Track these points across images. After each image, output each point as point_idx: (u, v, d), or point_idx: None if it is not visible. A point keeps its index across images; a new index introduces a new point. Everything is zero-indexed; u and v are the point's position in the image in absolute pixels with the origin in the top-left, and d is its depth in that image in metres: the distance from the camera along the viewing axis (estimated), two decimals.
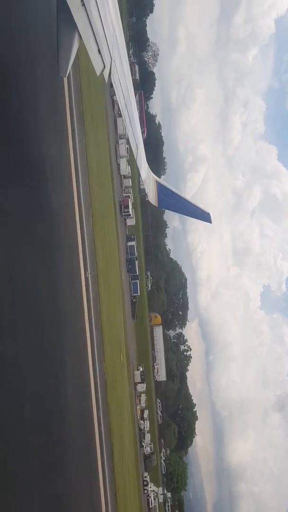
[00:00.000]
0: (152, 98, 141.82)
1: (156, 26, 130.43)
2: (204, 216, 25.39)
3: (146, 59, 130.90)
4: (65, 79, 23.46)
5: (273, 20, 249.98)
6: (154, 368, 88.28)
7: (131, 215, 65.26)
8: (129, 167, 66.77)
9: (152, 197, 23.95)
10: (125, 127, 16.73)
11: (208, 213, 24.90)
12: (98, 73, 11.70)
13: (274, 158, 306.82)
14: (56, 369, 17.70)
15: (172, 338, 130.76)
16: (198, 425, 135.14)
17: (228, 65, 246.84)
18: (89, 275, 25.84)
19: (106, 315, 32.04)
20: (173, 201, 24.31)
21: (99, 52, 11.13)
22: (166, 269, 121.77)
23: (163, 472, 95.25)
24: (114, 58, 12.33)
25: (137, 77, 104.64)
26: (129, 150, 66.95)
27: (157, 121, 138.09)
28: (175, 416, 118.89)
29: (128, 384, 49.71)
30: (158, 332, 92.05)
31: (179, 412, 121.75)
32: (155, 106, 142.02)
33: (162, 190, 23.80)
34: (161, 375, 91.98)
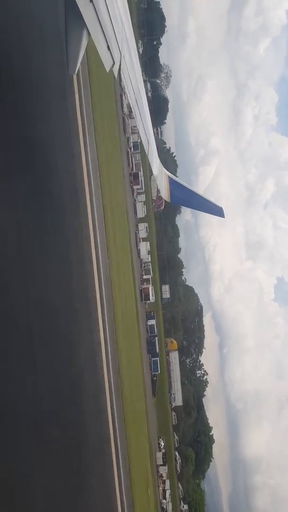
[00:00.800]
0: (165, 123, 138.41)
1: (167, 20, 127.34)
2: (217, 211, 25.20)
3: (158, 81, 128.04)
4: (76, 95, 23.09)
5: (285, 11, 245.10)
6: (171, 395, 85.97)
7: (151, 299, 61.93)
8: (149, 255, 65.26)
9: (164, 192, 23.84)
10: (136, 124, 16.62)
11: (221, 208, 24.70)
12: (107, 69, 11.62)
13: (287, 150, 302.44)
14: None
15: (188, 363, 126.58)
16: (213, 419, 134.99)
17: (239, 57, 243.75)
18: (110, 360, 24.86)
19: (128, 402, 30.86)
20: (185, 196, 24.17)
21: (108, 49, 11.06)
22: (182, 304, 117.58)
23: None
24: (124, 54, 12.24)
25: (149, 95, 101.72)
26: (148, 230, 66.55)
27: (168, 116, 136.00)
28: (192, 442, 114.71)
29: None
30: (174, 357, 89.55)
31: (196, 436, 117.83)
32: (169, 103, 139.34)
33: (174, 185, 23.67)
34: (178, 400, 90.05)
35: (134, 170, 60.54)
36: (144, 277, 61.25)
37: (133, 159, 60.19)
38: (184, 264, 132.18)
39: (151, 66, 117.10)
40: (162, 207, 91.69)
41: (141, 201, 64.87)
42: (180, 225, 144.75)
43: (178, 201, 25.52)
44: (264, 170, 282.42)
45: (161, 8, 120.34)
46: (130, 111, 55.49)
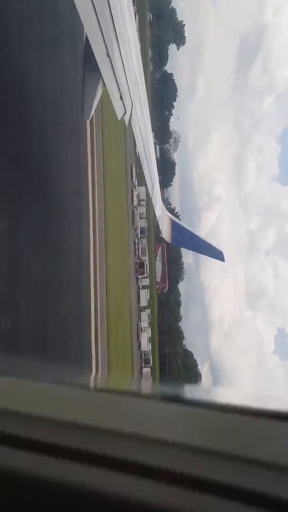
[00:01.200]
0: (171, 185, 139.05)
1: (178, 75, 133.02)
2: (217, 254, 25.65)
3: (167, 145, 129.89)
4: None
5: None
6: None
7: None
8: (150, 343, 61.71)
9: (166, 234, 24.33)
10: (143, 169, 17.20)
11: (221, 252, 25.16)
12: (119, 117, 12.27)
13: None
14: None
15: None
16: None
17: (244, 113, 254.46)
18: None
19: None
20: (186, 238, 24.65)
21: (121, 98, 11.72)
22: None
23: None
24: (135, 104, 12.92)
25: (158, 157, 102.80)
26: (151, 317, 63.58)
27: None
28: None
29: None
30: None
31: None
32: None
33: (175, 227, 24.20)
34: None
35: (140, 259, 58.95)
36: (144, 369, 57.14)
37: (140, 245, 58.88)
38: (184, 335, 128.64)
39: (161, 132, 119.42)
40: (166, 289, 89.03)
41: (145, 288, 61.89)
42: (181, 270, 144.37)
43: (178, 242, 25.97)
44: (265, 219, 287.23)
45: (174, 80, 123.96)
46: (139, 203, 56.65)
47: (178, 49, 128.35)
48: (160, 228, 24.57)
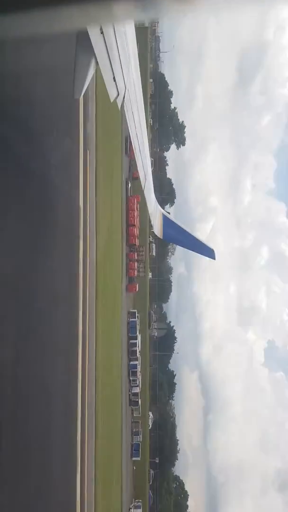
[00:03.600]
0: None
1: (177, 91, 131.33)
2: (208, 252, 25.48)
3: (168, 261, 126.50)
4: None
5: None
6: None
7: None
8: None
9: (157, 229, 24.17)
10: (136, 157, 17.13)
11: (212, 249, 24.99)
12: (112, 99, 12.12)
13: (283, 215, 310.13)
14: None
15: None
16: (191, 487, 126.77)
17: (241, 128, 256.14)
18: None
19: None
20: (177, 234, 24.50)
21: (114, 80, 11.57)
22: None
23: None
24: (128, 87, 12.78)
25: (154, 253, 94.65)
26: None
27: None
28: None
29: None
30: None
31: None
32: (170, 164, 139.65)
33: (167, 223, 24.04)
34: None
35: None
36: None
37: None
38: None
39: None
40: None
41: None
42: (173, 278, 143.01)
43: (170, 238, 25.83)
44: (259, 235, 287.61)
45: (177, 113, 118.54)
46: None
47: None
48: (151, 223, 24.40)
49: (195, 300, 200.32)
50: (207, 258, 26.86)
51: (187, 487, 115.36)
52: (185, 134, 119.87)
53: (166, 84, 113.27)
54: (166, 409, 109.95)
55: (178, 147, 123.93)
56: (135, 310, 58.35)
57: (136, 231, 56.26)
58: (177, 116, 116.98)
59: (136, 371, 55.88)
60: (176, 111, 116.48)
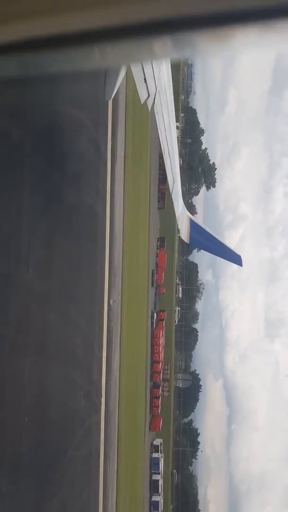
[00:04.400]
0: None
1: (209, 84, 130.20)
2: (234, 258, 25.15)
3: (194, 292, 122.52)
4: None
5: None
6: None
7: None
8: None
9: (184, 234, 24.02)
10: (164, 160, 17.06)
11: (239, 256, 24.65)
12: (142, 101, 12.17)
13: None
14: None
15: None
16: (211, 493, 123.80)
17: (274, 136, 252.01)
18: None
19: None
20: (204, 239, 24.26)
21: (145, 81, 11.61)
22: None
23: None
24: (159, 89, 12.79)
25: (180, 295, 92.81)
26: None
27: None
28: None
29: None
30: None
31: None
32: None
33: (194, 227, 23.87)
34: None
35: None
36: None
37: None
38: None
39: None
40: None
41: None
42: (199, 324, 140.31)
43: (196, 243, 25.63)
44: None
45: (208, 154, 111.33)
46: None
47: None
48: (178, 227, 24.27)
49: (222, 308, 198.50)
50: (235, 265, 26.47)
51: (208, 493, 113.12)
52: (215, 175, 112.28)
53: (197, 122, 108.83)
54: None
55: (208, 188, 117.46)
56: (158, 443, 52.91)
57: (160, 367, 52.05)
58: (208, 157, 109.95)
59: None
60: (207, 152, 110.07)
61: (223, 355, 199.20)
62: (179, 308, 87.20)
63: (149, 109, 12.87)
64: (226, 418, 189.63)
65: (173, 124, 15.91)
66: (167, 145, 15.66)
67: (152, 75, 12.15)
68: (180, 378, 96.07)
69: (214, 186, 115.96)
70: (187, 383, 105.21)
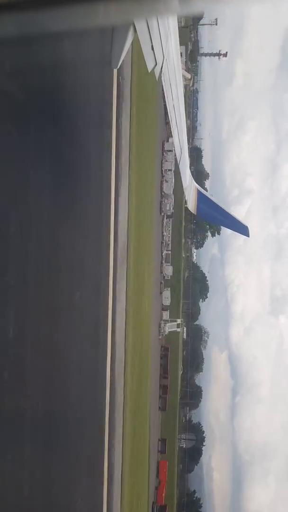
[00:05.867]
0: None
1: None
2: (242, 229, 25.15)
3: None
4: None
5: None
6: None
7: None
8: None
9: (191, 205, 23.96)
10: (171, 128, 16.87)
11: (246, 226, 24.63)
12: (149, 69, 11.97)
13: None
14: None
15: None
16: (216, 462, 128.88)
17: (282, 113, 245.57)
18: None
19: None
20: (212, 210, 24.21)
21: (152, 49, 11.38)
22: None
23: None
24: (167, 57, 12.55)
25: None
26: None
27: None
28: None
29: None
30: None
31: None
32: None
33: (202, 198, 23.77)
34: None
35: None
36: None
37: None
38: None
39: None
40: None
41: None
42: (206, 260, 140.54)
43: (204, 214, 25.57)
44: None
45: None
46: None
47: None
48: (185, 198, 24.20)
49: (228, 282, 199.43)
50: (242, 237, 26.47)
51: (213, 463, 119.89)
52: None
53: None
54: None
55: (213, 235, 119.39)
56: None
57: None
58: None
59: None
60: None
61: (228, 328, 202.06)
62: None
63: (157, 78, 12.67)
64: (230, 390, 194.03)
65: (181, 93, 15.63)
66: (175, 114, 15.45)
67: (159, 42, 11.90)
68: (184, 438, 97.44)
69: (219, 234, 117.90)
70: (190, 443, 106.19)
